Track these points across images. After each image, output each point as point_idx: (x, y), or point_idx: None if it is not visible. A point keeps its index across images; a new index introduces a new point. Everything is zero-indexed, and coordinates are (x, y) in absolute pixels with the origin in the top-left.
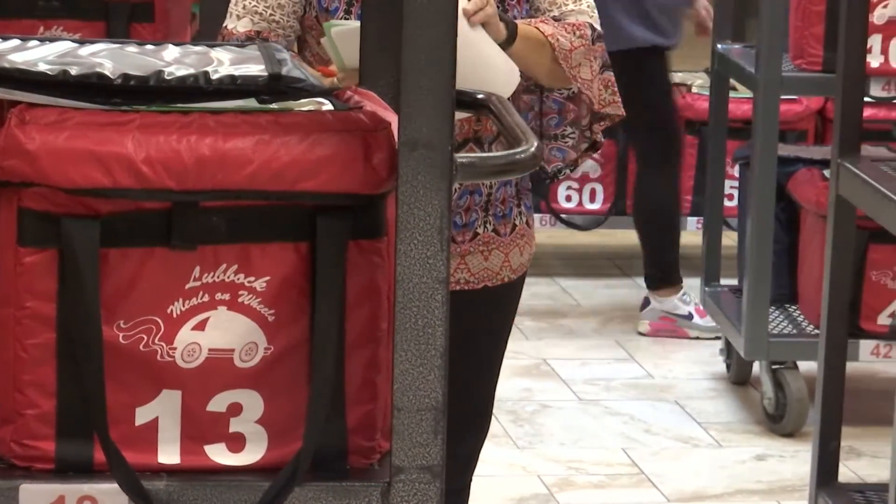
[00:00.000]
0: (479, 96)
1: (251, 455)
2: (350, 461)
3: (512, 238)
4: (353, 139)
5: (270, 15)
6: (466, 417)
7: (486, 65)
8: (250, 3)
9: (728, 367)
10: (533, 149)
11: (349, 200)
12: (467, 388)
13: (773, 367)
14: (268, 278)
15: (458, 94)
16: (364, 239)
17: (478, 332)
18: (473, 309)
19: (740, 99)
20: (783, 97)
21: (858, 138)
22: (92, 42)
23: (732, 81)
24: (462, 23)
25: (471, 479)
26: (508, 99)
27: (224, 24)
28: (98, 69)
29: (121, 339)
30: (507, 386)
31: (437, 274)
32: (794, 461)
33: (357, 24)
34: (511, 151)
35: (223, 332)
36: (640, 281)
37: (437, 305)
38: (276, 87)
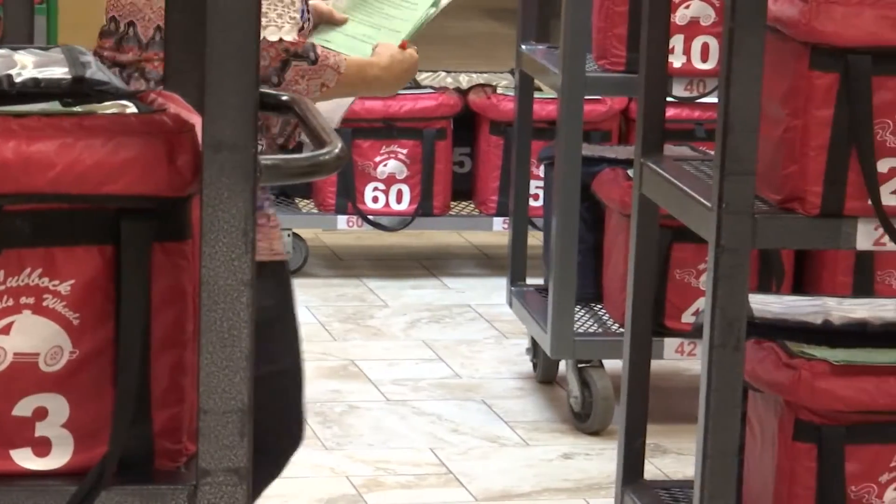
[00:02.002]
0: (284, 98)
1: (57, 459)
2: (157, 464)
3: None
4: (156, 141)
5: None
6: None
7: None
8: None
9: (534, 366)
10: (337, 150)
11: (153, 203)
12: None
13: (579, 365)
14: (72, 282)
15: (262, 95)
16: (169, 241)
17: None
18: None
19: (545, 99)
20: (587, 97)
21: (661, 138)
22: None
23: (537, 82)
24: None
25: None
26: None
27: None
28: None
29: None
30: (316, 387)
31: (242, 276)
32: (600, 459)
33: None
34: (316, 153)
35: (28, 336)
36: (447, 281)
37: (243, 307)
38: (79, 89)
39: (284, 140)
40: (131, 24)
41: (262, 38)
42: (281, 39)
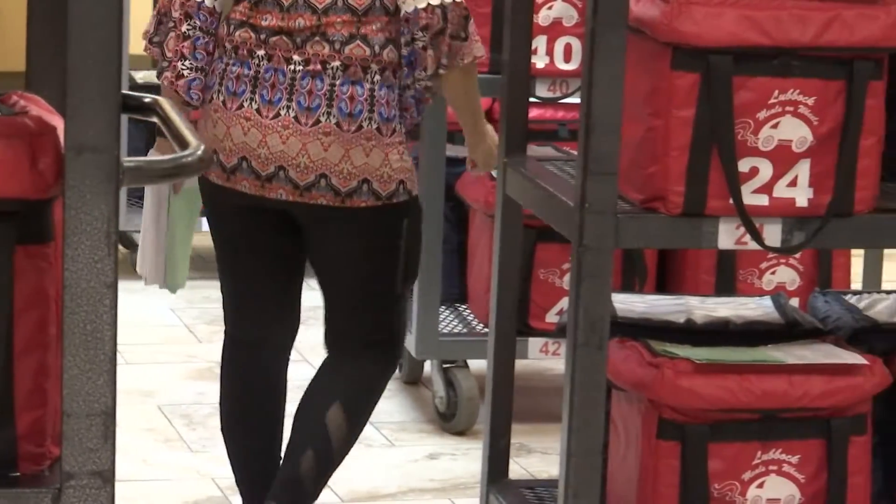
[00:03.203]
0: (146, 100)
1: None
2: (20, 468)
3: (391, 140)
4: (18, 144)
5: None
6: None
7: None
8: None
9: (400, 366)
10: (200, 152)
11: (15, 206)
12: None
13: (444, 366)
14: None
15: (124, 97)
16: (31, 244)
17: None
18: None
19: None
20: None
21: (524, 138)
22: None
23: None
24: None
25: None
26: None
27: None
28: None
29: None
30: (181, 389)
31: (105, 278)
32: (465, 459)
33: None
34: (178, 154)
35: None
36: (312, 282)
37: (106, 310)
38: None
39: None
40: None
41: None
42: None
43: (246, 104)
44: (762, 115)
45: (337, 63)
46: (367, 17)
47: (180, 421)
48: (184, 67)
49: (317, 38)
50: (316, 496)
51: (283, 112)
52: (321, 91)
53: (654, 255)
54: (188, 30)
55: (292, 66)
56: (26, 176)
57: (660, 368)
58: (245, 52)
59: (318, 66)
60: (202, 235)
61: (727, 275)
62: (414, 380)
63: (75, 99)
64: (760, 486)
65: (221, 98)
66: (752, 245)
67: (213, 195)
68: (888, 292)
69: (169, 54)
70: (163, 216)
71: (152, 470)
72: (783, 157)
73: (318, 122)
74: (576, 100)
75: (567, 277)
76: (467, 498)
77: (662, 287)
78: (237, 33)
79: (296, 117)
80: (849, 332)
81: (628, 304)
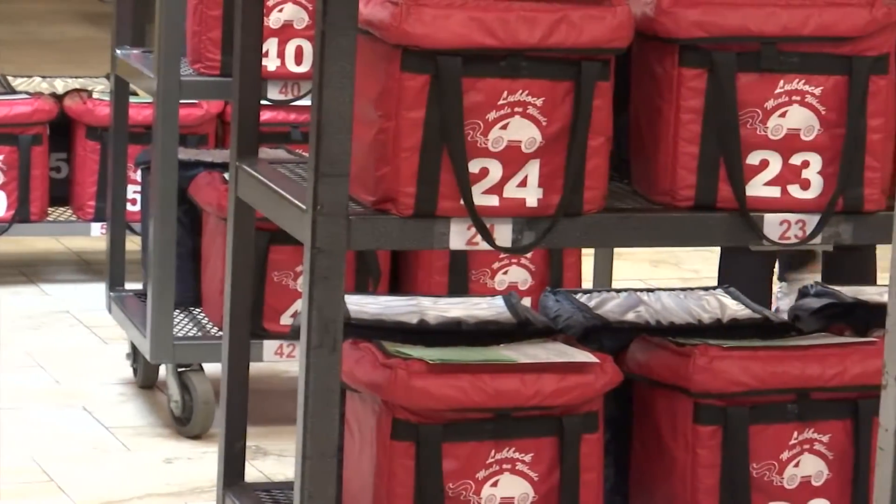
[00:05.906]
0: None
1: None
2: None
3: None
4: None
5: None
6: None
7: None
8: None
9: (135, 371)
10: None
11: None
12: None
13: (179, 369)
14: None
15: None
16: None
17: None
18: None
19: (141, 104)
20: (183, 101)
21: (256, 141)
22: None
23: (133, 86)
24: None
25: None
26: None
27: None
28: None
29: None
30: None
31: None
32: (201, 462)
33: None
34: None
35: None
36: (46, 287)
37: None
38: None
39: None
40: None
41: None
42: None
43: None
44: (491, 116)
45: None
46: None
47: None
48: None
49: None
50: None
51: None
52: None
53: (388, 256)
54: None
55: None
56: None
57: (393, 369)
58: None
59: None
60: None
61: (460, 275)
62: (149, 384)
63: None
64: (494, 484)
65: None
66: (484, 245)
67: None
68: (618, 291)
69: None
70: None
71: None
72: (513, 158)
73: None
74: (308, 102)
75: (301, 280)
76: (204, 502)
77: (396, 288)
78: None
79: None
80: (580, 331)
81: (361, 305)
